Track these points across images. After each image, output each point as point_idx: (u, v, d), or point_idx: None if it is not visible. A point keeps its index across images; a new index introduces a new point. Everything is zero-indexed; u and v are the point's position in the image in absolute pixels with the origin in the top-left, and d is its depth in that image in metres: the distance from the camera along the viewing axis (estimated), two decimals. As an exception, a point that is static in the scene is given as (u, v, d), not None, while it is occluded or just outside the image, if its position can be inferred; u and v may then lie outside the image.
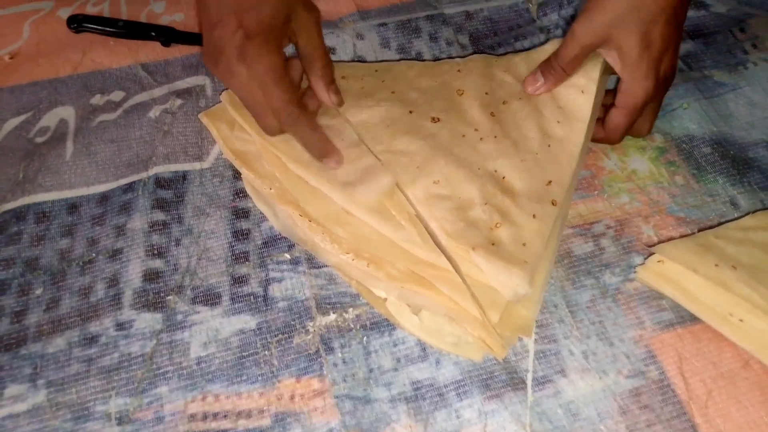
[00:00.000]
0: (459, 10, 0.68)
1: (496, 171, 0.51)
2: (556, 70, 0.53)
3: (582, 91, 0.53)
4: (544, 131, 0.53)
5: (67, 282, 0.50)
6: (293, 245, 0.52)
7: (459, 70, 0.58)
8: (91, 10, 0.67)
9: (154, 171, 0.55)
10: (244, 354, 0.47)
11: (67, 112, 0.59)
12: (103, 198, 0.54)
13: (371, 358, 0.47)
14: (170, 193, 0.54)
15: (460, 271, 0.47)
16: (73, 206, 0.54)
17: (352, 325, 0.49)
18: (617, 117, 0.53)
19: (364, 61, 0.63)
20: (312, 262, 0.51)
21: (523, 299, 0.47)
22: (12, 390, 0.46)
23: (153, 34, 0.64)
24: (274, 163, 0.53)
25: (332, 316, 0.49)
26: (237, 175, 0.56)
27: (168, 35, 0.65)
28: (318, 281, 0.51)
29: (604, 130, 0.55)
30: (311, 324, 0.49)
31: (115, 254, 0.51)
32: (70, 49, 0.63)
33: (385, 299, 0.48)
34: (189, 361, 0.47)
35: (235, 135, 0.55)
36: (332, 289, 0.50)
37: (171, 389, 0.46)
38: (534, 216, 0.49)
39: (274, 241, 0.52)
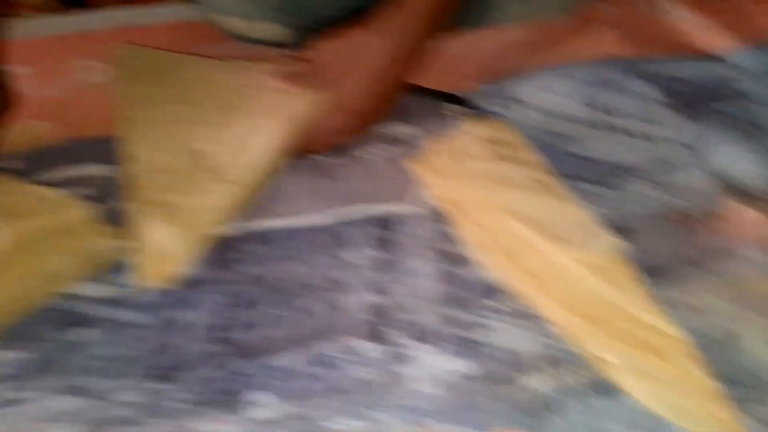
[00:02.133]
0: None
1: (199, 149, 0.59)
2: (297, 75, 0.62)
3: (304, 104, 0.61)
4: (254, 123, 0.60)
5: (292, 302, 0.54)
6: (509, 294, 0.54)
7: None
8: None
9: (368, 209, 0.60)
10: (457, 396, 0.49)
11: None
12: (323, 229, 0.59)
13: (593, 420, 0.47)
14: (383, 232, 0.58)
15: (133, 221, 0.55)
16: (292, 232, 0.59)
17: (572, 383, 0.49)
18: (314, 134, 0.61)
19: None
20: (529, 314, 0.53)
21: (173, 255, 0.54)
22: (248, 396, 0.49)
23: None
24: (485, 212, 0.56)
25: (550, 372, 0.50)
26: (446, 220, 0.59)
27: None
28: (536, 335, 0.51)
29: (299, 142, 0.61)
30: (529, 377, 0.49)
31: (335, 284, 0.55)
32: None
33: (608, 361, 0.48)
34: (405, 393, 0.49)
35: (443, 182, 0.60)
36: (551, 344, 0.51)
37: (391, 416, 0.48)
38: (209, 190, 0.57)
39: (488, 289, 0.55)
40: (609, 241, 0.51)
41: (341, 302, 0.54)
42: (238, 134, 0.60)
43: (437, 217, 0.59)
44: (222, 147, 0.59)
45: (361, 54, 0.59)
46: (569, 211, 0.54)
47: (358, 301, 0.54)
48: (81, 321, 0.54)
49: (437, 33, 0.62)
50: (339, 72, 0.59)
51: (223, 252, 0.58)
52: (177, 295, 0.55)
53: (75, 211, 0.54)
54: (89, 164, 0.64)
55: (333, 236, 0.58)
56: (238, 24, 0.70)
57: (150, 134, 0.60)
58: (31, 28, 0.77)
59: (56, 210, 0.54)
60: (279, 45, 0.72)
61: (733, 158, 0.58)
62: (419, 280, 0.55)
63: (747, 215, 0.52)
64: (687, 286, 0.50)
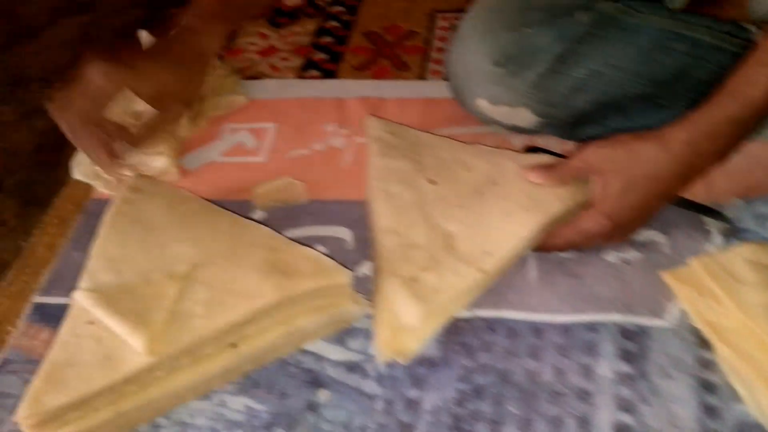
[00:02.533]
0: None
1: (451, 231, 0.59)
2: (557, 171, 0.61)
3: (558, 201, 0.60)
4: (506, 211, 0.60)
5: (538, 406, 0.52)
6: None
7: (478, 153, 0.67)
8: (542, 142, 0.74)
9: (615, 317, 0.56)
10: None
11: None
12: (566, 329, 0.56)
13: None
14: (634, 346, 0.54)
15: (380, 291, 0.56)
16: (537, 330, 0.57)
17: None
18: (565, 232, 0.59)
19: None
20: None
21: (413, 330, 0.54)
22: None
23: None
24: (754, 343, 0.52)
25: None
26: (703, 344, 0.54)
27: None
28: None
29: (546, 237, 0.60)
30: None
31: (584, 395, 0.52)
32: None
33: None
34: None
35: (704, 302, 0.55)
36: None
37: None
38: (457, 273, 0.55)
39: (748, 428, 0.50)
40: None
41: (592, 418, 0.51)
42: (489, 221, 0.59)
43: (695, 338, 0.54)
44: (473, 231, 0.59)
45: (644, 167, 0.56)
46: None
47: (608, 418, 0.50)
48: (319, 381, 0.55)
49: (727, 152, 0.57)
50: (610, 178, 0.57)
51: (455, 335, 0.57)
52: (411, 372, 0.55)
53: (334, 274, 0.56)
54: (333, 226, 0.67)
55: (576, 340, 0.55)
56: (490, 108, 0.70)
57: (405, 209, 0.61)
58: (283, 90, 0.84)
59: (318, 272, 0.56)
60: (526, 132, 0.72)
61: None
62: (672, 404, 0.51)
63: None
64: None
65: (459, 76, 0.71)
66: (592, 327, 0.56)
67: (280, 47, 0.92)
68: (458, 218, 0.60)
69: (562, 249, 0.61)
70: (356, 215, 0.67)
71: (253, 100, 0.83)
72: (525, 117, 0.70)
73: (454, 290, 0.55)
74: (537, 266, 0.61)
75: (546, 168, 0.61)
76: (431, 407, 0.53)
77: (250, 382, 0.56)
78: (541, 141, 0.72)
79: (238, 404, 0.55)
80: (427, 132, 0.70)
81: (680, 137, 0.55)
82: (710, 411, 0.50)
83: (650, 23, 0.68)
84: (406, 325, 0.55)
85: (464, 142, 0.69)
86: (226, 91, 0.83)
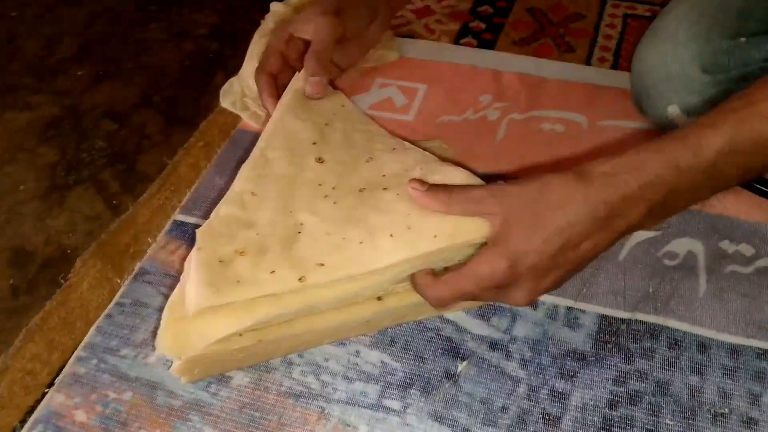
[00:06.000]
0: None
1: (302, 224, 0.52)
2: (446, 193, 0.49)
3: (435, 236, 0.48)
4: (372, 228, 0.50)
5: (697, 424, 0.48)
6: None
7: (394, 149, 0.59)
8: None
9: None
10: None
11: (695, 246, 0.59)
12: (734, 351, 0.52)
13: None
14: None
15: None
16: (702, 345, 0.53)
17: None
18: (451, 278, 0.48)
19: None
20: None
21: (198, 323, 0.47)
22: None
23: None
24: None
25: None
26: None
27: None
28: None
29: (427, 285, 0.49)
30: None
31: (750, 423, 0.48)
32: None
33: None
34: None
35: None
36: None
37: None
38: (272, 272, 0.48)
39: None
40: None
41: None
42: (348, 229, 0.50)
43: None
44: (324, 234, 0.51)
45: (551, 199, 0.45)
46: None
47: None
48: (459, 352, 0.53)
49: None
50: (513, 212, 0.46)
51: (612, 334, 0.53)
52: (559, 363, 0.52)
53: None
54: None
55: (745, 364, 0.51)
56: (680, 117, 0.63)
57: (269, 180, 0.56)
58: (438, 52, 0.81)
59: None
60: None
61: None
62: None
63: None
64: None
65: (652, 77, 0.65)
66: (763, 354, 0.51)
67: (437, 10, 0.89)
68: (319, 211, 0.52)
69: (447, 301, 0.48)
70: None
71: (404, 58, 0.81)
72: None
73: (258, 290, 0.47)
74: (707, 278, 0.56)
75: (437, 187, 0.50)
76: (580, 403, 0.50)
77: (387, 338, 0.54)
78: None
79: (373, 357, 0.53)
80: (370, 115, 0.68)
81: (600, 169, 0.45)
82: None
83: None
84: (187, 312, 0.47)
85: (404, 139, 0.63)
86: (379, 44, 0.81)
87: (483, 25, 0.86)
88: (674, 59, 0.63)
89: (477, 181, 0.52)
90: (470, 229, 0.49)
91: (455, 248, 0.49)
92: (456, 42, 0.84)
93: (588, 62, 0.79)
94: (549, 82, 0.76)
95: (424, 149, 0.65)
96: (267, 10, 0.81)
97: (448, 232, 0.49)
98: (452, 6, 0.89)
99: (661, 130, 0.67)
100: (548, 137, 0.70)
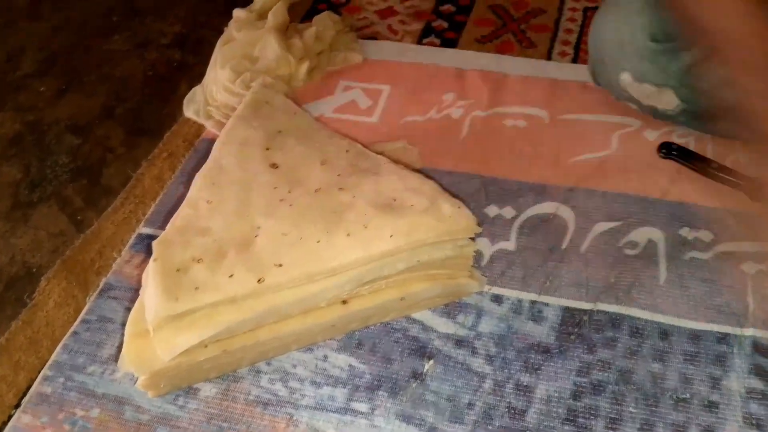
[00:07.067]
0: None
1: (258, 227, 0.52)
2: None
3: (391, 235, 0.50)
4: (328, 229, 0.50)
5: (660, 410, 0.49)
6: None
7: (347, 151, 0.60)
8: (677, 139, 0.69)
9: (750, 332, 0.52)
10: None
11: (655, 235, 0.60)
12: (695, 336, 0.52)
13: None
14: (764, 360, 0.51)
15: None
16: (664, 332, 0.53)
17: None
18: None
19: None
20: None
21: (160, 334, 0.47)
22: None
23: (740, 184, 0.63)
24: None
25: None
26: None
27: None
28: None
29: None
30: None
31: (710, 406, 0.49)
32: (657, 173, 0.65)
33: None
34: None
35: None
36: None
37: None
38: (230, 276, 0.48)
39: None
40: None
41: (716, 429, 0.47)
42: (305, 231, 0.51)
43: None
44: (280, 235, 0.51)
45: None
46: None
47: None
48: (425, 351, 0.53)
49: None
50: None
51: (573, 326, 0.54)
52: (523, 357, 0.52)
53: (465, 248, 0.53)
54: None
55: (706, 349, 0.51)
56: (633, 84, 0.65)
57: (224, 186, 0.56)
58: (401, 53, 0.82)
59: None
60: (660, 116, 0.68)
61: None
62: None
63: None
64: None
65: (606, 45, 0.67)
66: (723, 338, 0.52)
67: (400, 10, 0.89)
68: (275, 214, 0.52)
69: None
70: (472, 188, 0.65)
71: (368, 60, 0.81)
72: (667, 100, 0.65)
73: (218, 294, 0.48)
74: (667, 266, 0.57)
75: None
76: (545, 396, 0.50)
77: (354, 341, 0.54)
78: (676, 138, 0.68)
79: (341, 361, 0.53)
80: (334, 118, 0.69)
81: None
82: None
83: None
84: (148, 324, 0.48)
85: (368, 142, 0.64)
86: (343, 47, 0.81)
87: (445, 24, 0.86)
88: (626, 27, 0.65)
89: (431, 187, 0.54)
90: (427, 228, 0.50)
91: (419, 247, 0.50)
92: (419, 42, 0.84)
93: (549, 57, 0.80)
94: (511, 78, 0.77)
95: (388, 151, 0.66)
96: (230, 17, 0.81)
97: (404, 231, 0.50)
98: (415, 6, 0.90)
99: (616, 98, 0.69)
100: (511, 133, 0.71)
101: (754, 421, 0.48)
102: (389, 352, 0.54)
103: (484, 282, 0.56)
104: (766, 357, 0.51)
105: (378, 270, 0.50)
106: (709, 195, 0.63)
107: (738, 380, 0.50)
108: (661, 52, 0.63)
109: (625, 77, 0.65)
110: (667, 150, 0.66)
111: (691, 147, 0.67)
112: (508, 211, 0.63)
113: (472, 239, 0.53)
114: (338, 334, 0.55)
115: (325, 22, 0.81)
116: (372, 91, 0.77)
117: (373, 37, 0.85)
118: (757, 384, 0.50)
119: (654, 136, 0.69)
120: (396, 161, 0.59)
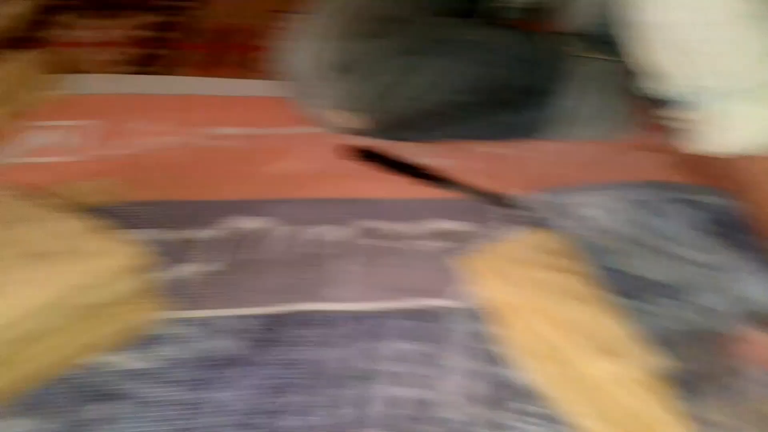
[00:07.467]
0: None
1: None
2: None
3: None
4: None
5: (318, 392, 0.50)
6: (543, 399, 0.50)
7: None
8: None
9: (402, 303, 0.57)
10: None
11: (337, 233, 0.63)
12: (355, 319, 0.55)
13: None
14: (420, 325, 0.55)
15: None
16: (329, 321, 0.55)
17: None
18: None
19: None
20: (560, 420, 0.49)
21: None
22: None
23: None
24: (529, 317, 0.53)
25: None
26: (488, 320, 0.55)
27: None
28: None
29: None
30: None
31: (365, 375, 0.51)
32: (350, 176, 0.69)
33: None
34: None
35: (489, 283, 0.56)
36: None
37: None
38: None
39: (523, 392, 0.51)
40: (644, 355, 0.49)
41: (370, 395, 0.50)
42: None
43: (478, 315, 0.56)
44: None
45: None
46: (610, 324, 0.52)
47: (386, 394, 0.50)
48: (108, 395, 0.49)
49: None
50: None
51: (262, 332, 0.54)
52: (210, 374, 0.50)
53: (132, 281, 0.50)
54: (147, 228, 0.62)
55: (370, 326, 0.55)
56: (327, 112, 0.70)
57: None
58: (102, 86, 0.78)
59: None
60: (362, 134, 0.72)
61: (755, 287, 0.58)
62: (453, 376, 0.52)
63: (761, 339, 0.53)
64: (709, 401, 0.50)
65: (298, 71, 0.70)
66: (381, 314, 0.56)
67: (107, 39, 0.85)
68: None
69: None
70: (172, 214, 0.63)
71: (69, 95, 0.76)
72: (360, 121, 0.70)
73: None
74: (350, 259, 0.60)
75: None
76: (230, 409, 0.49)
77: (29, 400, 0.48)
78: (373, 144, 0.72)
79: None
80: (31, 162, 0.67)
81: None
82: (488, 378, 0.52)
83: (474, 37, 0.71)
84: None
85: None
86: (33, 86, 0.75)
87: (159, 52, 0.84)
88: (315, 56, 0.69)
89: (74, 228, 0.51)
90: (74, 271, 0.48)
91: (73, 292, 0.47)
92: (122, 72, 0.81)
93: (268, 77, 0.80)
94: (226, 99, 0.77)
95: (88, 190, 0.61)
96: None
97: (52, 280, 0.47)
98: (127, 35, 0.86)
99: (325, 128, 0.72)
100: (228, 154, 0.71)
101: (405, 381, 0.51)
102: (67, 405, 0.48)
103: (167, 308, 0.54)
104: (418, 320, 0.55)
105: (35, 324, 0.46)
106: (385, 186, 0.68)
107: (390, 346, 0.53)
108: (344, 80, 0.68)
109: (318, 102, 0.70)
110: (366, 156, 0.71)
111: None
112: (201, 233, 0.62)
113: (148, 268, 0.51)
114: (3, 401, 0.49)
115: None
116: (75, 128, 0.73)
117: (76, 71, 0.80)
118: (406, 346, 0.54)
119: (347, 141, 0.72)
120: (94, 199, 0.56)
